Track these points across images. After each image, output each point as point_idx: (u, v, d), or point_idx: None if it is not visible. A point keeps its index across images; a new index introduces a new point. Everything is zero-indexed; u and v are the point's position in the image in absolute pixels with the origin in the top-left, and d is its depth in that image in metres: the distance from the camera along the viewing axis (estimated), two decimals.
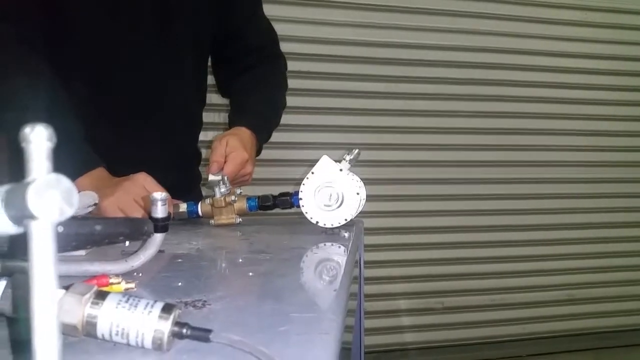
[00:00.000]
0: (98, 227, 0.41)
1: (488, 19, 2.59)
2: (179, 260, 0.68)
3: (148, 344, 0.34)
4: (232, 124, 1.19)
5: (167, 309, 0.35)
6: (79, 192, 0.90)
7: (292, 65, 2.33)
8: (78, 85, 1.15)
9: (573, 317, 2.81)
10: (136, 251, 0.58)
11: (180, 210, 1.02)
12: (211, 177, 1.02)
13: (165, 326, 0.34)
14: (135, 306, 0.35)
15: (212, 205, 1.00)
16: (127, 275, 0.57)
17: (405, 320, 2.61)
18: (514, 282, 2.72)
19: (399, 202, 2.55)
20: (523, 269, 2.73)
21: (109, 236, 0.43)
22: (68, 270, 0.56)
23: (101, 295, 0.35)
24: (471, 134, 2.61)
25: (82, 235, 0.40)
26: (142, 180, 0.98)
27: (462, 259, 2.66)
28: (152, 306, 0.35)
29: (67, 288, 0.36)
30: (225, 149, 1.07)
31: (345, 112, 2.47)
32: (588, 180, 2.78)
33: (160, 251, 0.72)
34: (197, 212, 1.02)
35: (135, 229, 0.47)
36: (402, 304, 2.61)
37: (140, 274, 0.58)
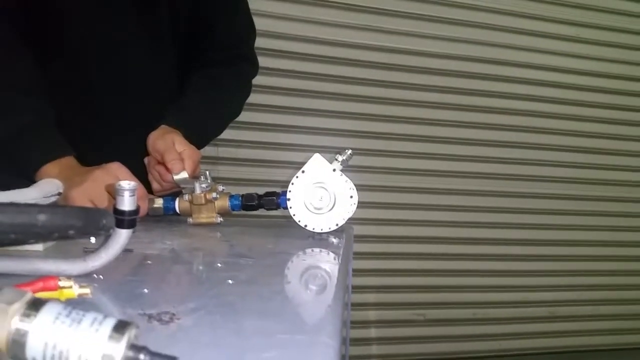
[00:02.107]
0: (42, 217, 0.33)
1: (486, 29, 2.54)
2: (148, 262, 0.60)
3: None
4: (163, 119, 1.06)
5: (120, 327, 0.27)
6: (44, 179, 0.82)
7: (284, 64, 2.29)
8: (55, 68, 1.08)
9: (554, 334, 2.78)
10: (97, 249, 0.49)
11: (155, 205, 0.94)
12: (177, 177, 0.93)
13: (117, 350, 0.26)
14: (79, 322, 0.27)
15: (191, 202, 0.91)
16: (85, 278, 0.48)
17: (385, 332, 2.55)
18: (496, 296, 2.68)
19: (382, 210, 2.48)
20: (505, 283, 2.69)
21: (56, 229, 0.35)
22: (16, 268, 0.48)
23: (35, 306, 0.27)
24: (459, 144, 2.56)
25: (19, 226, 0.32)
26: (115, 170, 0.89)
27: (445, 271, 2.61)
28: (100, 323, 0.27)
29: None
30: (174, 147, 0.97)
31: (337, 116, 2.40)
32: (571, 197, 2.75)
33: (127, 250, 0.64)
34: (174, 209, 0.94)
35: (90, 222, 0.39)
36: (383, 314, 2.54)
37: (101, 277, 0.50)
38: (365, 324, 2.50)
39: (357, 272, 2.42)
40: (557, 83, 2.65)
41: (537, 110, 2.65)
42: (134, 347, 0.27)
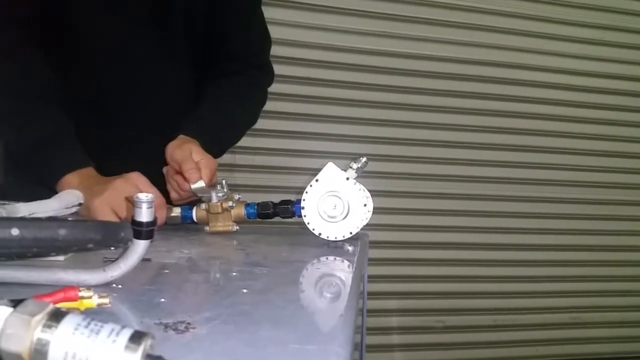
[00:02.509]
0: (62, 232, 0.35)
1: (503, 34, 2.53)
2: (166, 271, 0.61)
3: None
4: (181, 129, 1.08)
5: (136, 337, 0.28)
6: (65, 190, 0.84)
7: (299, 72, 2.30)
8: (72, 79, 1.11)
9: (577, 341, 2.73)
10: (116, 259, 0.51)
11: (173, 214, 0.95)
12: (194, 186, 0.94)
13: (133, 359, 0.27)
14: (97, 333, 0.28)
15: (208, 211, 0.93)
16: (104, 287, 0.50)
17: (403, 339, 2.54)
18: (517, 302, 2.65)
19: (401, 216, 2.47)
20: (527, 289, 2.66)
21: (76, 242, 0.36)
22: (38, 278, 0.49)
23: (56, 317, 0.28)
24: (478, 149, 2.55)
25: (42, 241, 0.33)
26: (135, 179, 0.91)
27: (464, 277, 2.59)
28: (117, 333, 0.28)
29: (16, 305, 0.29)
30: (191, 156, 0.99)
31: (352, 122, 2.41)
32: (593, 202, 2.71)
33: (146, 259, 0.65)
34: (191, 218, 0.95)
35: (108, 235, 0.40)
36: (401, 321, 2.53)
37: (120, 286, 0.51)
38: (381, 330, 2.49)
39: (378, 278, 2.43)
40: (583, 87, 2.63)
41: (562, 114, 2.62)
42: (150, 357, 0.28)
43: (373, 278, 2.41)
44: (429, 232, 2.53)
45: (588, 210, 2.69)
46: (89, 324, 0.28)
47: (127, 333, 0.28)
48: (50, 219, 0.37)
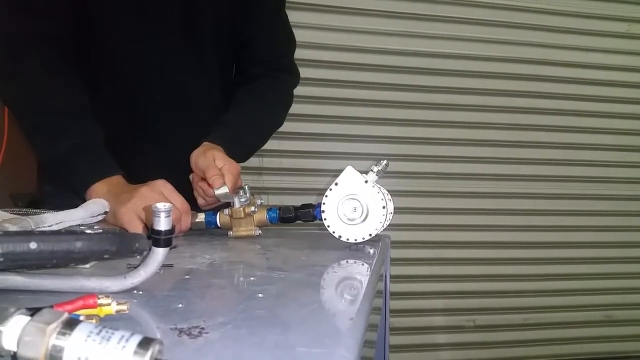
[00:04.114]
0: (79, 244, 0.36)
1: (528, 30, 2.50)
2: (187, 276, 0.63)
3: None
4: (206, 136, 1.11)
5: (144, 343, 0.30)
6: (92, 199, 0.87)
7: (321, 74, 2.32)
8: (102, 89, 1.14)
9: (611, 339, 2.68)
10: (137, 266, 0.53)
11: (198, 220, 0.98)
12: (218, 192, 0.96)
13: None
14: (108, 339, 0.30)
15: (231, 216, 0.95)
16: (126, 294, 0.52)
17: (434, 338, 2.53)
18: (548, 301, 2.62)
19: (430, 215, 2.47)
20: (558, 287, 2.62)
21: (92, 254, 0.38)
22: (62, 286, 0.51)
23: (70, 325, 0.30)
24: (507, 146, 2.52)
25: (59, 253, 0.35)
26: (161, 187, 0.94)
27: (495, 276, 2.57)
28: (127, 340, 0.30)
29: (34, 314, 0.31)
30: (214, 163, 1.01)
31: (378, 122, 2.42)
32: (626, 198, 2.66)
33: (168, 265, 0.67)
34: (215, 223, 0.97)
35: (123, 247, 0.42)
36: (431, 320, 2.53)
37: (141, 292, 0.53)
38: (411, 330, 2.49)
39: (407, 278, 2.43)
40: (609, 81, 2.58)
41: (588, 110, 2.58)
42: None
43: (401, 278, 2.42)
44: (457, 232, 2.52)
45: (620, 206, 2.64)
46: (100, 331, 0.30)
47: (136, 339, 0.30)
48: (69, 231, 0.39)
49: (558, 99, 2.55)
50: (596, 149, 2.60)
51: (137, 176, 0.99)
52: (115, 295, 0.48)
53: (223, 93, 1.28)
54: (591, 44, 2.55)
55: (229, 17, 1.22)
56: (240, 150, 1.14)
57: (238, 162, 1.05)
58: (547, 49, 2.51)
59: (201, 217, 0.98)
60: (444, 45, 2.43)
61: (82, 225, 0.76)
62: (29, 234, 0.35)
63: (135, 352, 0.29)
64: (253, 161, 2.25)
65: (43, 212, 0.69)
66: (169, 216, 0.51)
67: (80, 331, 0.30)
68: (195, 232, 1.00)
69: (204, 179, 1.02)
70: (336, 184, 0.85)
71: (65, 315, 0.31)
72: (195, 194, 1.08)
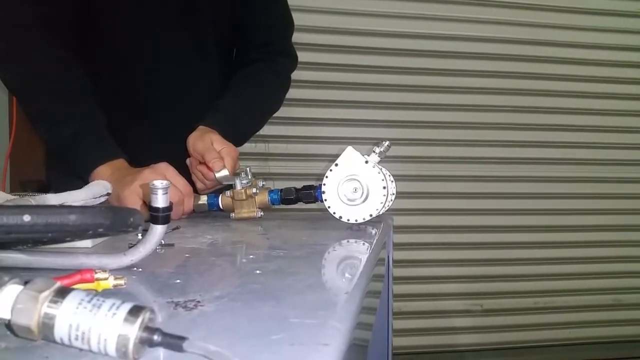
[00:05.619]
0: (72, 217, 0.37)
1: (544, 11, 2.47)
2: (187, 255, 0.63)
3: (112, 350, 0.29)
4: (202, 120, 1.11)
5: (134, 311, 0.30)
6: (95, 180, 0.87)
7: (319, 57, 2.31)
8: (103, 76, 1.15)
9: (619, 323, 2.68)
10: (135, 244, 0.53)
11: (200, 202, 0.98)
12: (219, 175, 0.97)
13: (131, 331, 0.29)
14: (99, 307, 0.30)
15: (233, 197, 0.95)
16: (125, 271, 0.52)
17: (441, 322, 2.53)
18: (557, 284, 2.61)
19: (436, 200, 2.46)
20: (567, 271, 2.62)
21: (87, 227, 0.39)
22: (63, 263, 0.52)
23: (62, 293, 0.31)
24: (512, 129, 2.51)
25: (53, 226, 0.36)
26: (163, 169, 0.94)
27: (503, 260, 2.57)
28: (117, 307, 0.30)
29: (26, 283, 0.32)
30: (213, 146, 1.01)
31: (383, 107, 2.41)
32: (634, 180, 2.64)
33: (169, 245, 0.68)
34: (217, 205, 0.98)
35: (117, 221, 0.42)
36: (439, 305, 2.53)
37: (140, 269, 0.54)
38: (418, 314, 2.49)
39: (410, 263, 2.43)
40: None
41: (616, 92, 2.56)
42: (148, 329, 0.30)
43: (407, 263, 2.42)
44: (463, 216, 2.52)
45: (627, 189, 2.62)
46: (91, 299, 0.30)
47: (126, 307, 0.30)
48: (63, 205, 0.39)
49: (559, 80, 2.53)
50: (593, 130, 2.60)
51: (138, 162, 1.00)
52: (115, 272, 0.48)
53: (223, 77, 1.28)
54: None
55: (228, 1, 1.22)
56: (235, 134, 1.14)
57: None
58: (564, 31, 2.50)
59: (204, 199, 0.99)
60: (448, 27, 2.42)
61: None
62: (22, 207, 0.35)
63: (126, 320, 0.30)
64: (259, 147, 2.26)
65: (45, 195, 0.70)
66: (166, 193, 0.51)
67: (71, 299, 0.30)
68: (198, 214, 1.00)
69: (202, 163, 1.03)
70: (336, 164, 0.86)
71: (57, 284, 0.31)
72: (194, 178, 1.09)
